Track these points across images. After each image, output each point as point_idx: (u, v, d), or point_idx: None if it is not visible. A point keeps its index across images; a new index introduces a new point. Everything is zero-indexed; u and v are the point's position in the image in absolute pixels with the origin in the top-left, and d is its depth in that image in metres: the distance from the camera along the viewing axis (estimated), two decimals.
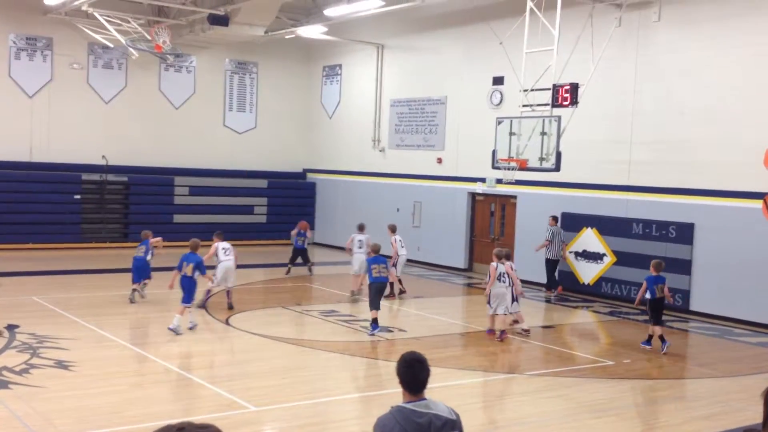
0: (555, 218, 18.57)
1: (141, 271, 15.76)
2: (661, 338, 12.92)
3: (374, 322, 13.46)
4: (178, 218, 25.16)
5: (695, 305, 16.38)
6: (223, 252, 15.16)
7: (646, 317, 13.66)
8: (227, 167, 26.34)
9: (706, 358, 13.00)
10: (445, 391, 10.13)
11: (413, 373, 4.35)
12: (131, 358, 11.42)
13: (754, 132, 15.42)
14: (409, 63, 23.89)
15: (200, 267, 13.13)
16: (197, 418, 8.83)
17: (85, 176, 23.83)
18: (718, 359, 12.91)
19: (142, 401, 9.40)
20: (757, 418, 4.65)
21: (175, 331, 12.64)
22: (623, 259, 17.58)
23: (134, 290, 15.68)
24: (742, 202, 15.68)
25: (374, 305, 13.52)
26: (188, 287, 13.06)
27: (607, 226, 18.05)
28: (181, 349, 12.07)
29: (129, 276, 16.05)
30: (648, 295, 13.15)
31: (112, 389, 9.84)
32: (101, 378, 10.28)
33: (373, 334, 13.30)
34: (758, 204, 15.42)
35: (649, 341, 13.23)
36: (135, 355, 11.56)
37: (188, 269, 13.03)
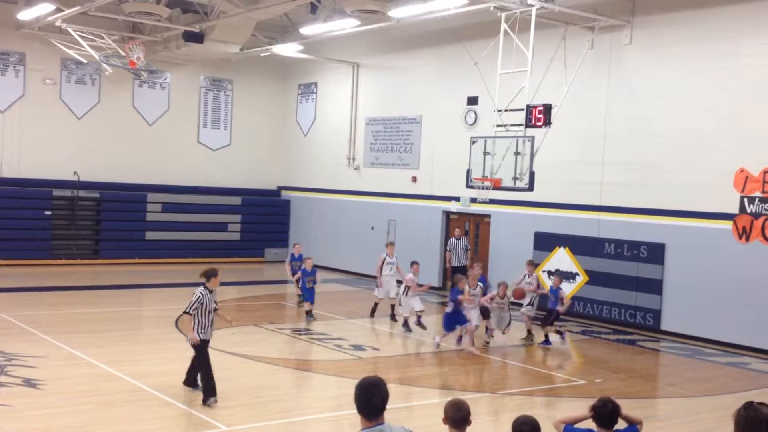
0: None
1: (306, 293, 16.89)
2: (547, 336, 15.08)
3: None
4: (151, 235, 24.96)
5: (666, 325, 16.52)
6: (389, 268, 17.01)
7: (618, 336, 13.73)
8: (201, 184, 26.20)
9: (677, 378, 13.09)
10: (419, 410, 10.11)
11: (366, 398, 4.33)
12: (101, 376, 11.26)
13: (724, 154, 15.67)
14: (385, 82, 24.01)
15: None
16: None
17: (56, 192, 23.56)
18: (689, 379, 13.01)
19: (111, 420, 9.27)
20: None
21: (437, 345, 14.08)
22: (595, 278, 17.71)
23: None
24: (713, 223, 15.90)
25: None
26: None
27: (580, 245, 18.19)
28: (151, 367, 11.93)
29: (99, 293, 15.86)
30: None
31: (81, 408, 9.69)
32: (70, 397, 10.12)
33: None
34: (728, 225, 15.64)
35: (547, 340, 15.02)
36: (105, 373, 11.40)
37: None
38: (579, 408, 10.61)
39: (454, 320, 14.04)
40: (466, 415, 4.87)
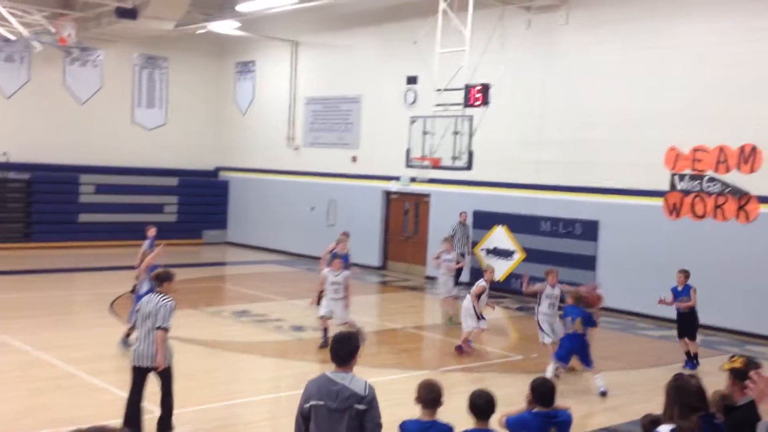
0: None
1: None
2: (688, 355, 12.51)
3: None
4: (84, 217, 24.38)
5: None
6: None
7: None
8: (136, 165, 25.63)
9: (610, 351, 13.39)
10: None
11: (335, 348, 5.19)
12: (33, 363, 10.98)
13: (656, 133, 16.03)
14: (324, 61, 23.81)
15: (589, 321, 10.95)
16: (105, 423, 8.51)
17: None
18: (622, 352, 13.35)
19: (44, 408, 9.05)
20: (661, 409, 4.83)
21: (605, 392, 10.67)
22: (532, 255, 17.99)
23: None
24: (644, 200, 16.28)
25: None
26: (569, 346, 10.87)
27: (517, 223, 18.44)
28: (86, 353, 11.67)
29: (30, 277, 15.41)
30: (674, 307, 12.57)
31: (13, 396, 9.45)
32: (1, 384, 9.84)
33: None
34: (659, 202, 16.04)
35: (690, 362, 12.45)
36: (37, 359, 11.12)
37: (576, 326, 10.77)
38: (516, 383, 10.82)
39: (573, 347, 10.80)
40: (438, 396, 5.24)
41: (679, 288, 12.45)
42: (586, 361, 10.85)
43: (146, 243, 15.18)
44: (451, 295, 15.25)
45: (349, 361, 5.14)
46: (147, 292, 10.08)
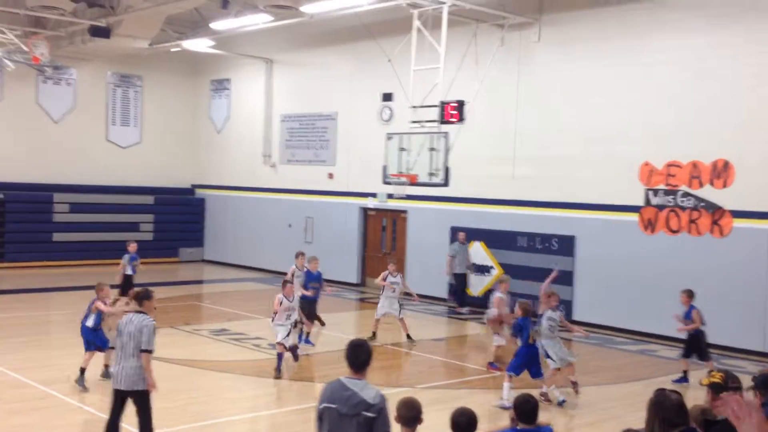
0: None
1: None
2: (685, 374, 12.25)
3: None
4: (58, 237, 24.13)
5: (577, 315, 16.98)
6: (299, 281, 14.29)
7: None
8: (111, 183, 25.45)
9: (588, 367, 13.44)
10: None
11: (353, 354, 5.27)
12: (8, 383, 10.83)
13: (629, 147, 16.22)
14: (300, 78, 23.85)
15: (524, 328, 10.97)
16: None
17: None
18: (600, 367, 13.41)
19: (21, 429, 8.92)
20: (639, 424, 4.87)
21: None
22: (509, 271, 18.02)
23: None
24: (620, 215, 16.44)
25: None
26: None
27: (494, 239, 18.53)
28: (62, 374, 11.51)
29: (4, 297, 15.19)
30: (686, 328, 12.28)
31: None
32: None
33: None
34: (634, 216, 16.20)
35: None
36: (12, 380, 10.97)
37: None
38: (494, 399, 10.84)
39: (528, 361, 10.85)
40: (418, 414, 5.21)
41: (685, 308, 12.25)
42: (538, 372, 10.83)
43: (126, 258, 15.19)
44: (381, 315, 14.71)
45: (364, 368, 5.27)
46: (93, 325, 10.97)
